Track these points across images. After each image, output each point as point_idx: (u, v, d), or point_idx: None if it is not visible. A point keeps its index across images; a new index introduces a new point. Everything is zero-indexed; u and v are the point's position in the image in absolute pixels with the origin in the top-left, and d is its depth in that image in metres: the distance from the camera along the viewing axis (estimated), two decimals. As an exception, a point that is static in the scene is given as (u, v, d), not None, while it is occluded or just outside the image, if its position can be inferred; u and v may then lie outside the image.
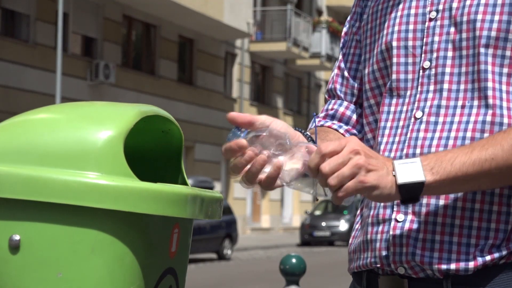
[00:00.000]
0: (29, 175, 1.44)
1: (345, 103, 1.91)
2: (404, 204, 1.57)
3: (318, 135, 1.78)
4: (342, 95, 1.91)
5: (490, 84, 1.64)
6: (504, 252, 1.61)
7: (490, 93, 1.64)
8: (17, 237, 1.45)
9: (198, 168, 27.55)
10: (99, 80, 22.40)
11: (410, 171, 1.52)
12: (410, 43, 1.73)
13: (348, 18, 1.94)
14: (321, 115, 1.92)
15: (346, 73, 1.91)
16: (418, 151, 1.67)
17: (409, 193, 1.52)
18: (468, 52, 1.67)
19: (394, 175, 1.51)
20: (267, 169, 1.54)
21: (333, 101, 1.93)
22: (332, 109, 1.92)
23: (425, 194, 1.54)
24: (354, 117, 1.89)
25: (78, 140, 1.48)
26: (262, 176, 1.54)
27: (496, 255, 1.61)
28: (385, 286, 1.70)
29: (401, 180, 1.51)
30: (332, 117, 1.90)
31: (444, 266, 1.63)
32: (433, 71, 1.69)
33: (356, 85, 1.90)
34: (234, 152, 1.53)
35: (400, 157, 1.68)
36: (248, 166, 1.53)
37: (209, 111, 28.69)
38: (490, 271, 1.62)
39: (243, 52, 30.66)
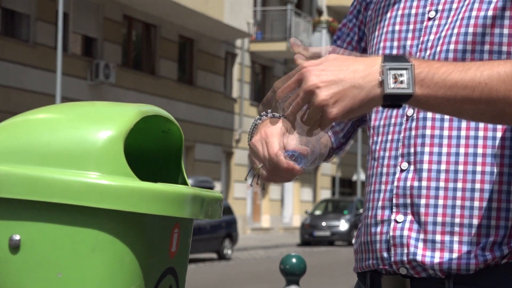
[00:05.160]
0: (29, 175, 1.44)
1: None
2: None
3: None
4: None
5: None
6: (506, 251, 1.62)
7: None
8: (17, 237, 1.45)
9: (198, 168, 27.55)
10: (99, 80, 22.40)
11: (399, 79, 1.42)
12: (408, 42, 1.74)
13: (348, 13, 1.95)
14: None
15: None
16: (412, 150, 1.67)
17: (392, 101, 1.43)
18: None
19: (382, 81, 1.41)
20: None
21: None
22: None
23: (407, 104, 1.45)
24: None
25: (78, 140, 1.48)
26: None
27: (498, 253, 1.61)
28: (388, 286, 1.70)
29: (388, 90, 1.41)
30: None
31: (445, 266, 1.63)
32: None
33: None
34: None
35: (396, 157, 1.69)
36: None
37: (209, 111, 28.69)
38: (492, 271, 1.62)
39: (243, 52, 30.66)
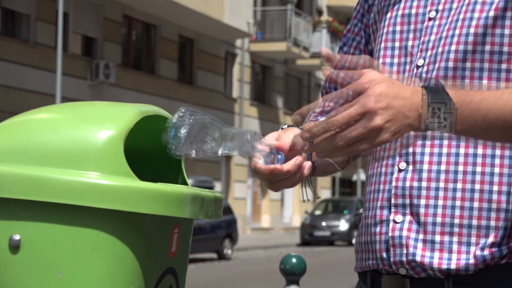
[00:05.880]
0: (29, 175, 1.44)
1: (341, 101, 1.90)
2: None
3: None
4: None
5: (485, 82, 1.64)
6: (505, 251, 1.62)
7: None
8: (17, 237, 1.45)
9: (198, 168, 27.55)
10: (99, 80, 22.40)
11: (442, 121, 1.47)
12: (409, 43, 1.74)
13: (352, 18, 1.95)
14: (318, 110, 1.92)
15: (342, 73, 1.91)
16: (410, 149, 1.67)
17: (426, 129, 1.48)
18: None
19: (426, 126, 1.46)
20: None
21: None
22: (328, 106, 1.91)
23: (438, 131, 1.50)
24: None
25: (78, 140, 1.48)
26: None
27: (497, 253, 1.61)
28: (388, 286, 1.70)
29: (430, 127, 1.46)
30: (328, 114, 1.90)
31: (444, 266, 1.63)
32: (425, 68, 1.70)
33: None
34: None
35: (394, 156, 1.69)
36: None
37: (209, 111, 28.65)
38: (491, 271, 1.62)
39: (243, 52, 30.66)
